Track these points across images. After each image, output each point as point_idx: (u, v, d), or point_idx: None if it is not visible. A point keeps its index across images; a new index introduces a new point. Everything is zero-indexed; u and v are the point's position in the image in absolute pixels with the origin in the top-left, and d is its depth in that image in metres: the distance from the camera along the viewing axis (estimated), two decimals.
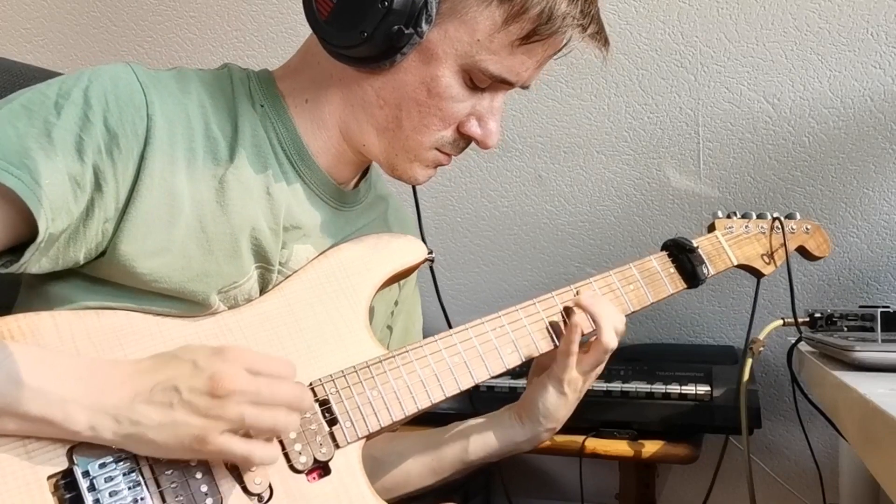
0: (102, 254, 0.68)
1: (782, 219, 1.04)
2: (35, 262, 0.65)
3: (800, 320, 1.07)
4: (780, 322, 1.08)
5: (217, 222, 0.72)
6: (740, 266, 1.01)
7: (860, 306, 1.04)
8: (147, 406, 0.60)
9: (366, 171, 0.89)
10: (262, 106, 0.78)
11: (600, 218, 1.59)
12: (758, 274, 1.03)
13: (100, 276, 0.70)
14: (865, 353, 0.77)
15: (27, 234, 0.64)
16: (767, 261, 1.02)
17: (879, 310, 0.94)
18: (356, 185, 0.87)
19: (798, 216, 1.07)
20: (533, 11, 0.70)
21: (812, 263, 1.46)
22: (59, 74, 0.96)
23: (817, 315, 1.07)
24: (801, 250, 1.08)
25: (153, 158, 0.68)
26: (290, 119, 0.79)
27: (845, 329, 1.02)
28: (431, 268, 0.89)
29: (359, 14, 0.70)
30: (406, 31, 0.69)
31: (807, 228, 1.08)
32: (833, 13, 1.38)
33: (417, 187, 0.87)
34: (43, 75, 0.93)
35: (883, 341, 0.90)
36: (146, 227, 0.68)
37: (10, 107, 0.65)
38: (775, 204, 1.47)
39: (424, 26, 0.70)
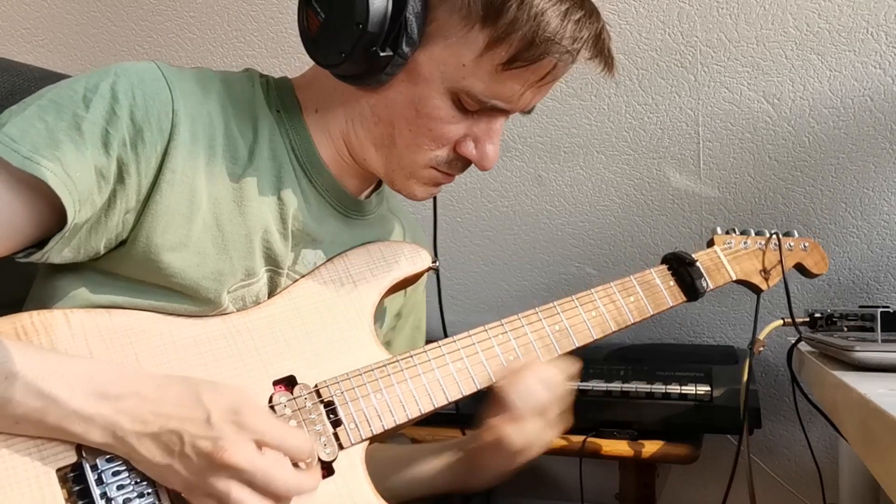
0: (122, 244, 0.69)
1: (780, 235, 1.04)
2: (58, 251, 0.67)
3: (800, 320, 1.07)
4: (780, 322, 1.09)
5: (233, 222, 0.73)
6: (739, 281, 1.02)
7: (860, 306, 1.04)
8: (151, 442, 0.61)
9: (379, 184, 0.90)
10: (278, 111, 0.79)
11: (600, 218, 1.59)
12: (756, 289, 1.03)
13: (115, 271, 0.70)
14: (865, 353, 0.77)
15: (55, 225, 0.66)
16: (765, 276, 1.03)
17: (879, 310, 0.94)
18: (368, 196, 0.88)
19: (796, 234, 1.08)
20: (515, 35, 0.67)
21: None
22: (60, 74, 0.96)
23: (817, 315, 1.07)
24: (799, 267, 1.09)
25: (176, 154, 0.69)
26: (305, 126, 0.80)
27: (845, 329, 1.02)
28: (437, 276, 0.90)
29: (337, 34, 0.70)
30: (383, 53, 0.69)
31: (804, 246, 1.09)
32: (833, 13, 1.38)
33: None
34: (43, 75, 0.93)
35: (883, 341, 0.90)
36: (166, 220, 0.69)
37: (38, 102, 0.66)
38: (775, 204, 1.47)
39: (405, 48, 0.69)
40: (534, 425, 0.76)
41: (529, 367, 0.77)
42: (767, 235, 1.05)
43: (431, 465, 0.87)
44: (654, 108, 1.51)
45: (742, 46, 1.44)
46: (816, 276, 1.10)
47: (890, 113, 1.38)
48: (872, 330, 0.96)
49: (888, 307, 0.94)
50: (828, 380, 0.80)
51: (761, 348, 1.07)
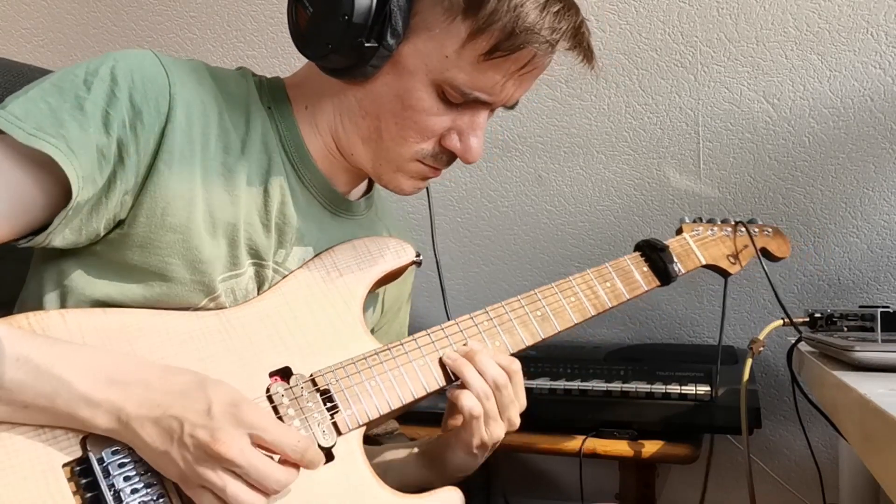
0: (121, 226, 0.70)
1: (745, 222, 1.09)
2: (60, 232, 0.68)
3: (800, 320, 1.08)
4: (780, 322, 1.09)
5: (224, 210, 0.74)
6: (708, 266, 1.05)
7: (860, 306, 1.04)
8: (153, 427, 0.61)
9: (369, 188, 0.92)
10: (269, 107, 0.81)
11: (600, 218, 1.59)
12: (724, 273, 1.07)
13: (113, 258, 0.71)
14: (865, 353, 0.77)
15: (61, 204, 0.67)
16: (733, 261, 1.07)
17: (879, 310, 0.94)
18: (358, 199, 0.89)
19: (759, 221, 1.12)
20: (496, 26, 0.70)
21: (812, 263, 1.47)
22: None
23: (817, 315, 1.08)
24: (764, 251, 1.12)
25: (172, 136, 0.70)
26: (294, 122, 0.81)
27: (845, 329, 1.03)
28: (439, 271, 0.93)
29: (324, 27, 0.72)
30: (368, 45, 0.71)
31: (768, 231, 1.13)
32: (833, 13, 1.38)
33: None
34: (43, 75, 0.93)
35: (883, 341, 0.90)
36: (166, 202, 0.70)
37: (41, 86, 0.68)
38: (775, 204, 1.47)
39: (390, 40, 0.71)
40: (490, 404, 0.77)
41: (482, 349, 0.79)
42: (733, 223, 1.09)
43: (401, 460, 0.89)
44: (654, 108, 1.51)
45: (742, 46, 1.44)
46: (780, 259, 1.14)
47: (890, 113, 1.38)
48: (872, 330, 0.96)
49: (888, 307, 0.94)
50: (828, 380, 0.80)
51: (761, 348, 1.07)
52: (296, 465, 0.65)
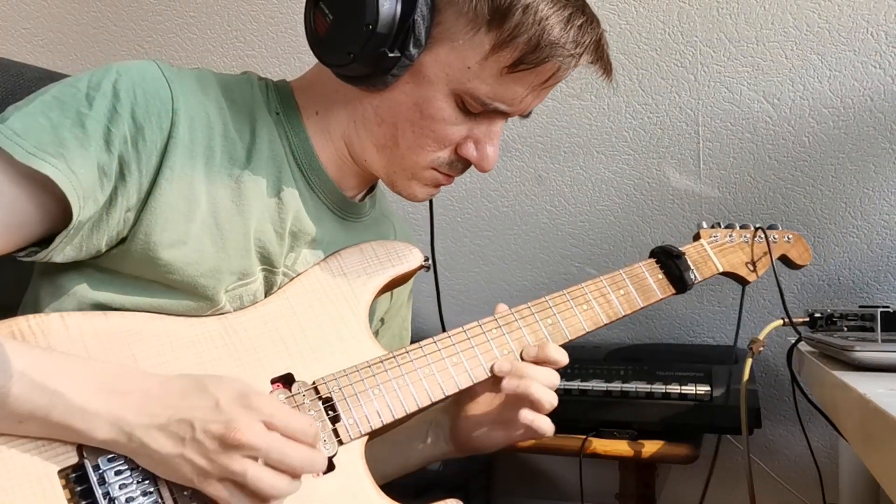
0: (122, 242, 0.70)
1: (765, 229, 1.07)
2: (61, 250, 0.67)
3: (800, 320, 1.07)
4: (780, 322, 1.09)
5: (232, 221, 0.74)
6: (725, 273, 1.03)
7: (860, 306, 1.04)
8: (160, 434, 0.61)
9: (372, 187, 0.91)
10: (277, 113, 0.80)
11: (600, 218, 1.59)
12: (742, 281, 1.05)
13: (115, 268, 0.71)
14: (865, 353, 0.78)
15: (59, 221, 0.66)
16: (751, 268, 1.05)
17: (879, 310, 0.94)
18: (362, 199, 0.89)
19: (780, 227, 1.10)
20: (521, 39, 0.70)
21: (812, 263, 1.46)
22: (60, 74, 0.96)
23: (817, 315, 1.07)
24: (784, 259, 1.11)
25: (175, 152, 0.70)
26: (304, 128, 0.81)
27: (845, 329, 1.02)
28: (435, 271, 0.91)
29: (346, 35, 0.71)
30: (391, 55, 0.70)
31: (788, 238, 1.11)
32: (833, 13, 1.38)
33: None
34: (43, 75, 0.93)
35: (883, 341, 0.90)
36: (165, 218, 0.69)
37: (42, 98, 0.67)
38: (775, 204, 1.47)
39: (413, 50, 0.71)
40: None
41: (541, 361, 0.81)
42: (752, 229, 1.07)
43: (418, 450, 0.89)
44: (654, 108, 1.51)
45: (742, 46, 1.44)
46: (801, 267, 1.11)
47: (890, 113, 1.38)
48: (872, 330, 0.96)
49: (888, 307, 0.94)
50: (828, 380, 0.80)
51: (761, 348, 1.07)
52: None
